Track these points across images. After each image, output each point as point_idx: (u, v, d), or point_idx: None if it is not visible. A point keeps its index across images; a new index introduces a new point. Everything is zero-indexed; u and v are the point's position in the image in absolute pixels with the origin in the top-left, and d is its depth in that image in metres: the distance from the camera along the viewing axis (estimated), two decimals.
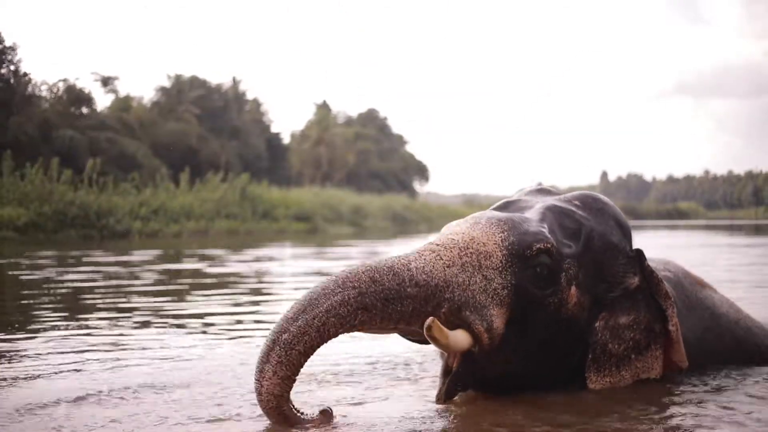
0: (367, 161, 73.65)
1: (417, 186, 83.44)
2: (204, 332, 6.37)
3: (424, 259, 3.51)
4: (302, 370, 3.23)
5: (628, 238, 4.09)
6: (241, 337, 6.12)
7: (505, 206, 4.14)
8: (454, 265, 3.54)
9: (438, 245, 3.62)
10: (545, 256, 3.68)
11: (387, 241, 27.25)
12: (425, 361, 4.84)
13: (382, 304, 3.35)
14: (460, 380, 3.69)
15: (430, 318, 3.35)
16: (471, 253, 3.59)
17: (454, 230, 3.77)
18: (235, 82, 65.37)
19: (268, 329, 3.44)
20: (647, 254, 4.08)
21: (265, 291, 10.17)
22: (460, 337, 3.50)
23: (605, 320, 3.86)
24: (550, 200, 4.08)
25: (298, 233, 37.90)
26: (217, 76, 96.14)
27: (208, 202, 37.36)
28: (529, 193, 4.33)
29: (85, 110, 46.99)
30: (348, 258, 17.18)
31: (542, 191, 4.34)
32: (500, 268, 3.61)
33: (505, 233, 3.68)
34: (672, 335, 3.98)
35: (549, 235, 3.75)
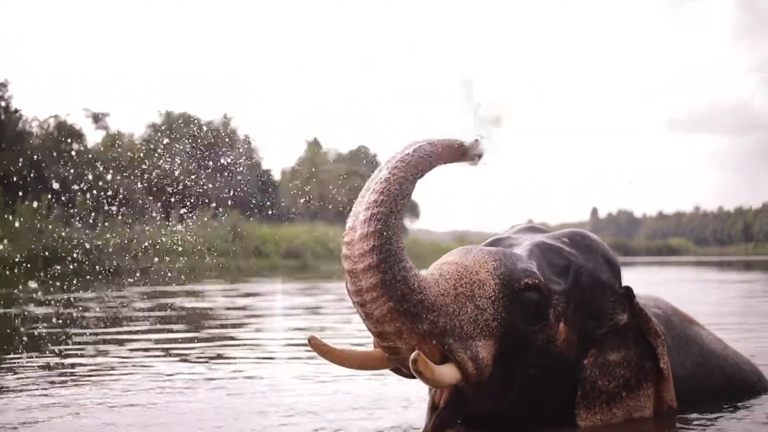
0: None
1: (408, 223, 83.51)
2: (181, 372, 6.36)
3: (421, 279, 3.51)
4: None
5: (617, 276, 4.08)
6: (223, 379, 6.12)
7: (495, 243, 4.13)
8: (448, 295, 3.53)
9: (433, 275, 3.62)
10: (533, 292, 3.67)
11: None
12: (410, 405, 4.83)
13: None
14: (448, 416, 3.68)
15: (416, 352, 3.32)
16: (465, 283, 3.59)
17: (446, 260, 3.76)
18: (226, 119, 65.54)
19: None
20: (638, 290, 4.08)
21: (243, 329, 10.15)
22: (447, 372, 3.46)
23: (594, 357, 3.84)
24: (539, 238, 4.07)
25: (289, 270, 37.87)
26: (207, 113, 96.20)
27: (199, 238, 37.32)
28: (518, 231, 4.32)
29: (75, 146, 47.00)
30: (335, 293, 17.15)
31: (531, 229, 4.33)
32: (492, 298, 3.60)
33: (496, 263, 3.68)
34: (663, 373, 3.98)
35: (537, 271, 3.74)
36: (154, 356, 7.06)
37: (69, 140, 46.71)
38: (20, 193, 31.97)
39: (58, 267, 27.56)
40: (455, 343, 3.49)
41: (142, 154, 47.81)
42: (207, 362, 6.65)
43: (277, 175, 70.89)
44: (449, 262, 3.71)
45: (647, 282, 21.44)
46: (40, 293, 16.85)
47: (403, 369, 3.62)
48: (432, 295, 3.48)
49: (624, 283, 4.09)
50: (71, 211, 31.58)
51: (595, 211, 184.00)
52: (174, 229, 35.35)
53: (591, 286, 3.91)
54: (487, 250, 3.79)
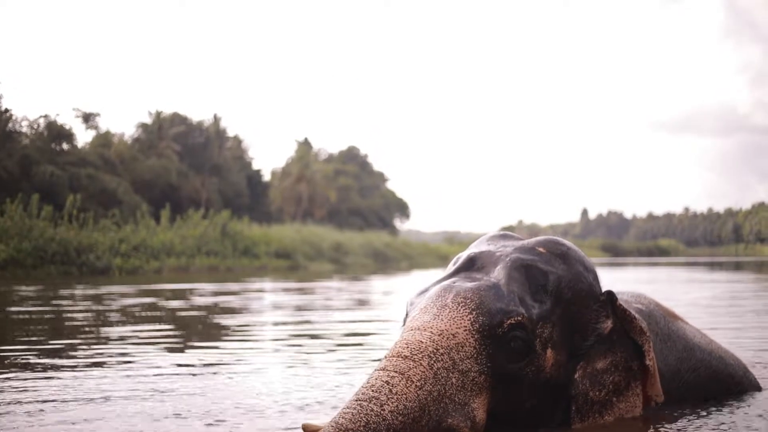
0: (348, 198, 73.83)
1: (398, 223, 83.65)
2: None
3: (397, 394, 3.37)
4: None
5: (597, 282, 4.03)
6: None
7: (471, 263, 4.02)
8: (427, 382, 3.43)
9: (406, 358, 3.49)
10: (518, 330, 3.60)
11: (367, 277, 27.23)
12: None
13: None
14: None
15: None
16: (442, 355, 3.50)
17: (422, 323, 3.64)
18: (216, 119, 65.46)
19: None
20: (624, 288, 4.07)
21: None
22: None
23: (583, 369, 3.82)
24: (515, 253, 3.94)
25: (279, 270, 37.85)
26: (198, 112, 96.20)
27: (189, 238, 37.27)
28: (491, 240, 4.23)
29: (65, 146, 46.90)
30: (323, 293, 17.16)
31: (504, 236, 4.25)
32: (475, 355, 3.53)
33: (474, 314, 3.59)
34: (649, 370, 3.97)
35: (519, 306, 3.66)
36: (143, 350, 7.09)
37: (59, 140, 46.60)
38: (9, 193, 31.85)
39: (47, 267, 27.56)
40: (453, 419, 3.43)
41: (132, 154, 47.44)
42: (193, 355, 6.68)
43: (267, 175, 70.87)
44: (422, 329, 3.61)
45: (638, 281, 21.49)
46: (29, 291, 16.81)
47: None
48: (412, 401, 3.38)
49: (614, 281, 4.07)
50: (61, 210, 31.53)
51: (585, 212, 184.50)
52: (164, 229, 35.16)
53: (573, 298, 3.86)
54: (462, 297, 3.67)
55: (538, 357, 3.66)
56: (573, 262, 3.98)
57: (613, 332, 3.93)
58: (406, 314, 3.96)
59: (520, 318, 3.61)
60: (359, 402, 3.34)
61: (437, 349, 3.50)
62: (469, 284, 3.77)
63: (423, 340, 3.53)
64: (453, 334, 3.54)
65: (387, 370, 3.45)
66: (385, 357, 3.54)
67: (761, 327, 9.30)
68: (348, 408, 3.33)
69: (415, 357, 3.48)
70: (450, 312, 3.62)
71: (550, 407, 3.77)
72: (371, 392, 3.37)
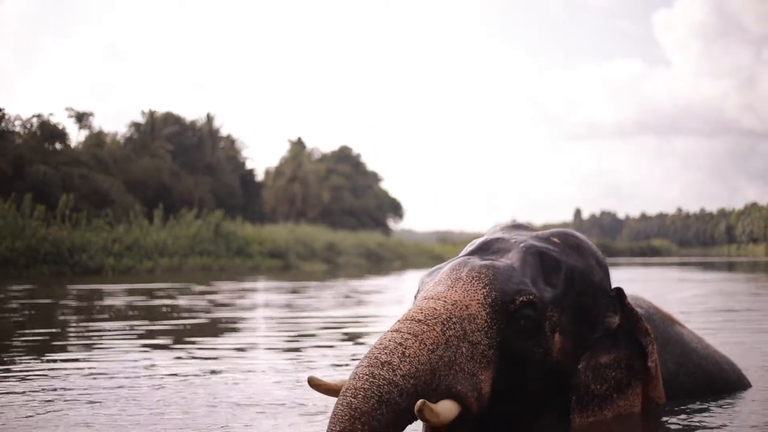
0: (341, 198, 73.71)
1: (391, 223, 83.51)
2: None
3: (409, 357, 3.38)
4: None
5: (607, 277, 4.08)
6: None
7: (486, 246, 4.06)
8: (439, 346, 3.45)
9: (420, 321, 3.51)
10: (529, 308, 3.64)
11: (360, 278, 27.23)
12: None
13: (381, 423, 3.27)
14: None
15: (421, 401, 3.25)
16: (455, 323, 3.53)
17: (435, 292, 3.69)
18: (210, 119, 65.33)
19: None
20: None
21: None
22: (450, 408, 3.41)
23: (587, 361, 3.84)
24: (529, 240, 4.00)
25: (272, 270, 37.84)
26: (191, 112, 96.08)
27: (182, 238, 37.19)
28: (504, 229, 4.26)
29: (58, 146, 46.72)
30: (317, 293, 17.15)
31: (518, 227, 4.29)
32: (485, 328, 3.56)
33: (487, 288, 3.64)
34: (651, 372, 4.00)
35: (531, 286, 3.70)
36: (135, 349, 7.09)
37: (52, 139, 46.44)
38: (2, 192, 31.75)
39: (40, 266, 27.50)
40: (462, 387, 3.45)
41: (125, 154, 47.26)
42: (186, 354, 6.67)
43: (260, 175, 70.78)
44: (436, 297, 3.65)
45: (633, 280, 21.54)
46: (21, 291, 16.78)
47: None
48: (424, 364, 3.40)
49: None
50: (53, 210, 31.45)
51: (578, 212, 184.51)
52: (157, 228, 35.03)
53: (583, 289, 3.90)
54: (476, 271, 3.72)
55: (546, 339, 3.70)
56: (586, 254, 4.04)
57: (619, 329, 3.97)
58: (418, 291, 4.00)
59: (531, 297, 3.66)
60: (371, 370, 3.35)
61: (450, 317, 3.54)
62: (484, 261, 3.82)
63: (437, 308, 3.58)
64: (466, 306, 3.59)
65: (401, 332, 3.49)
66: (398, 321, 3.58)
67: (755, 328, 9.31)
68: (359, 379, 3.33)
69: (429, 322, 3.52)
70: (464, 284, 3.68)
71: (552, 393, 3.79)
72: (384, 356, 3.39)
